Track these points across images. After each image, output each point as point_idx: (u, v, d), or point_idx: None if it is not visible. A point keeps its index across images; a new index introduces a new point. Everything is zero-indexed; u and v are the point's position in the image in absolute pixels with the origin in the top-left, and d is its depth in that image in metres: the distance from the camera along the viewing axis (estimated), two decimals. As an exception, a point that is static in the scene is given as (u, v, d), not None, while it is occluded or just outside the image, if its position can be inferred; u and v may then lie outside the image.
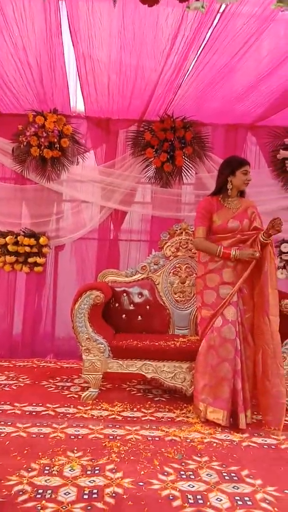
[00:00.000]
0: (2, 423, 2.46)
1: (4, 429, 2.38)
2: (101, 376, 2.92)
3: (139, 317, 3.40)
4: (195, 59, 2.82)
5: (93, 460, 2.07)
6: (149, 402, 2.91)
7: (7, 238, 3.85)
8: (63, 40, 2.73)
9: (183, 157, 3.86)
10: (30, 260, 3.89)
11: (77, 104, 3.81)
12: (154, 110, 3.71)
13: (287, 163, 3.86)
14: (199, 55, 2.78)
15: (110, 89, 3.28)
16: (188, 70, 2.95)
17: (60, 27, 2.57)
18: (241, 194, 2.87)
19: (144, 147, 3.89)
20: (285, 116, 3.61)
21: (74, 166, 3.92)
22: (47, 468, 1.98)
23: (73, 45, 2.78)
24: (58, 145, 3.78)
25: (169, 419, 2.64)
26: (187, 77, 3.06)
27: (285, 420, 2.65)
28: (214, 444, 2.31)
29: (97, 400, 2.89)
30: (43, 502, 1.71)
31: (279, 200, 3.96)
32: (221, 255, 2.67)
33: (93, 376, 2.90)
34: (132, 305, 3.41)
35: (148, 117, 3.86)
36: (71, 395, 3.00)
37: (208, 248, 2.74)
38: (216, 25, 2.49)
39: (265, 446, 2.32)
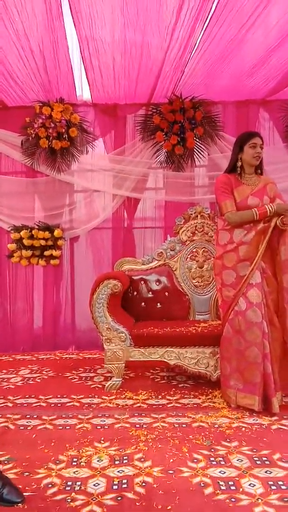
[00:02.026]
0: (28, 416, 2.46)
1: (30, 422, 2.38)
2: (123, 365, 2.89)
3: (158, 304, 3.35)
4: (202, 32, 2.71)
5: (120, 450, 2.04)
6: (174, 389, 2.88)
7: (22, 233, 3.84)
8: (65, 22, 2.65)
9: (194, 138, 3.75)
10: (46, 253, 3.88)
11: (83, 91, 3.74)
12: (162, 92, 3.61)
13: (303, 137, 3.71)
14: (206, 28, 2.66)
15: (116, 71, 3.20)
16: (195, 45, 2.84)
17: (61, 8, 2.49)
18: (260, 171, 2.75)
19: (153, 131, 3.80)
20: (299, 87, 3.47)
21: (83, 155, 3.87)
22: (75, 459, 1.96)
23: (75, 27, 2.70)
24: (66, 135, 3.73)
25: (195, 405, 2.59)
26: (194, 53, 2.95)
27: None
28: (243, 429, 2.26)
29: (121, 389, 2.86)
30: (73, 494, 1.69)
31: (296, 176, 3.82)
32: (259, 216, 2.53)
33: (116, 365, 2.88)
34: (150, 293, 3.37)
35: (156, 100, 3.76)
36: (95, 385, 2.98)
37: (243, 217, 2.57)
38: (222, -6, 2.38)
39: (295, 429, 2.25)
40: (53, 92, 3.61)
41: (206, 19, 2.60)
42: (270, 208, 2.52)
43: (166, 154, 3.83)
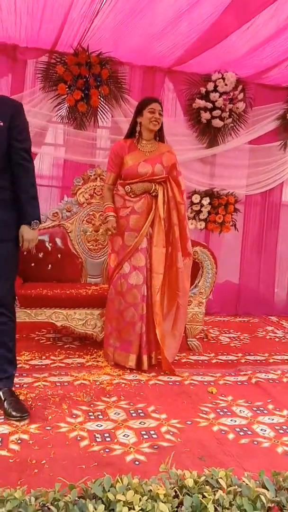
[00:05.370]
0: None
1: None
2: (7, 325, 2.77)
3: (50, 265, 3.25)
4: (113, -19, 2.57)
5: (-3, 410, 1.98)
6: (59, 350, 2.87)
7: None
8: None
9: (99, 97, 3.62)
10: None
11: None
12: (68, 40, 3.37)
13: (202, 113, 3.85)
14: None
15: (18, 6, 2.87)
16: (105, -6, 2.69)
17: None
18: (160, 138, 2.78)
19: (56, 82, 3.56)
20: (203, 62, 3.56)
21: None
22: None
23: None
24: None
25: (79, 364, 2.63)
26: (104, 4, 2.79)
27: (188, 359, 2.84)
28: (123, 385, 2.37)
29: (3, 350, 2.75)
30: None
31: (193, 151, 3.98)
32: (104, 210, 2.75)
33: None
34: (42, 253, 3.24)
35: (61, 48, 3.51)
36: (-26, 346, 2.81)
37: (103, 197, 2.82)
38: None
39: (170, 383, 2.44)
40: None
41: None
42: (107, 215, 2.68)
43: (68, 109, 3.63)
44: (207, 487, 1.13)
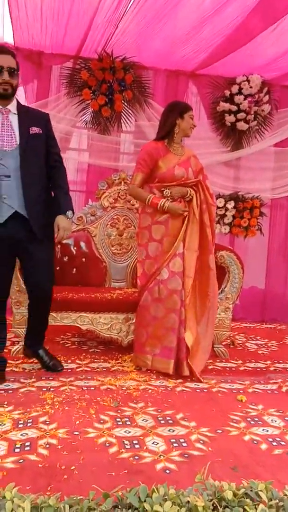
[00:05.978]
0: None
1: None
2: (33, 329, 2.77)
3: (74, 269, 3.25)
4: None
5: (25, 413, 1.97)
6: (84, 354, 2.85)
7: None
8: None
9: (123, 101, 3.63)
10: None
11: (5, 31, 3.35)
12: (92, 46, 3.40)
13: (227, 116, 3.81)
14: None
15: (44, 12, 2.90)
16: (131, -1, 2.69)
17: None
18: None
19: (80, 87, 3.58)
20: (227, 65, 3.53)
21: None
22: (-27, 424, 1.84)
23: None
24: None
25: (105, 369, 2.60)
26: (129, 8, 2.79)
27: (215, 365, 2.78)
28: (150, 391, 2.32)
29: (29, 354, 2.75)
30: None
31: (217, 154, 3.94)
32: (150, 203, 2.60)
33: (24, 329, 2.74)
34: (66, 257, 3.25)
35: (85, 54, 3.54)
36: (0, 350, 2.83)
37: (138, 195, 2.67)
38: None
39: (197, 390, 2.38)
40: None
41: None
42: (162, 204, 2.56)
43: (92, 114, 3.65)
44: (247, 500, 1.08)
